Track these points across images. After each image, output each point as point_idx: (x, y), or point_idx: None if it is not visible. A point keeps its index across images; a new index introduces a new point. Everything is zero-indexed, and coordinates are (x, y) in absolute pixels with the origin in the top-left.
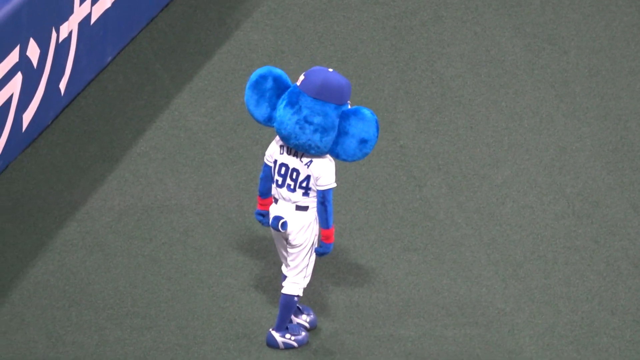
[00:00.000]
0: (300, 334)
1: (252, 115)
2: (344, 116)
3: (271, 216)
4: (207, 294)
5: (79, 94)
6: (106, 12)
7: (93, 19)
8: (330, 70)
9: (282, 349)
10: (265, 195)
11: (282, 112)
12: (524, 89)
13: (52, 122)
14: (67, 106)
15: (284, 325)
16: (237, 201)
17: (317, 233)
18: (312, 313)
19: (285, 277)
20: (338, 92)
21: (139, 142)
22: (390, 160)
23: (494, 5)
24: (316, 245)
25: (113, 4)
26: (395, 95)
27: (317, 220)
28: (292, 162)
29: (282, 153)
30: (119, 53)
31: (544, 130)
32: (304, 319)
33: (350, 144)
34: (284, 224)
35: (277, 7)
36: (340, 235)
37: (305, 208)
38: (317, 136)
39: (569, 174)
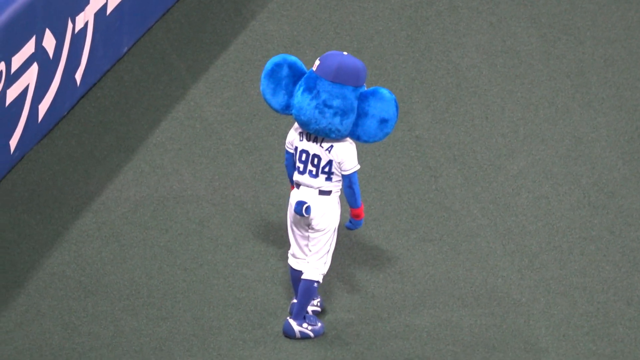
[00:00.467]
0: (317, 324)
1: (269, 104)
2: (363, 97)
3: (294, 201)
4: (223, 285)
5: (95, 84)
6: (122, 3)
7: (109, 10)
8: (345, 53)
9: (298, 339)
10: None
11: (301, 98)
12: (540, 79)
13: (68, 113)
14: (83, 97)
15: (302, 313)
16: (253, 192)
17: (339, 218)
18: (318, 295)
19: (293, 270)
20: (354, 74)
21: (155, 132)
22: (406, 150)
23: None
24: (337, 232)
25: None
26: (411, 85)
27: (340, 204)
28: (313, 148)
29: (302, 140)
30: (135, 43)
31: (560, 121)
32: (314, 304)
33: (370, 124)
34: (308, 209)
35: None
36: None
37: (328, 192)
38: (337, 119)
39: (585, 164)
